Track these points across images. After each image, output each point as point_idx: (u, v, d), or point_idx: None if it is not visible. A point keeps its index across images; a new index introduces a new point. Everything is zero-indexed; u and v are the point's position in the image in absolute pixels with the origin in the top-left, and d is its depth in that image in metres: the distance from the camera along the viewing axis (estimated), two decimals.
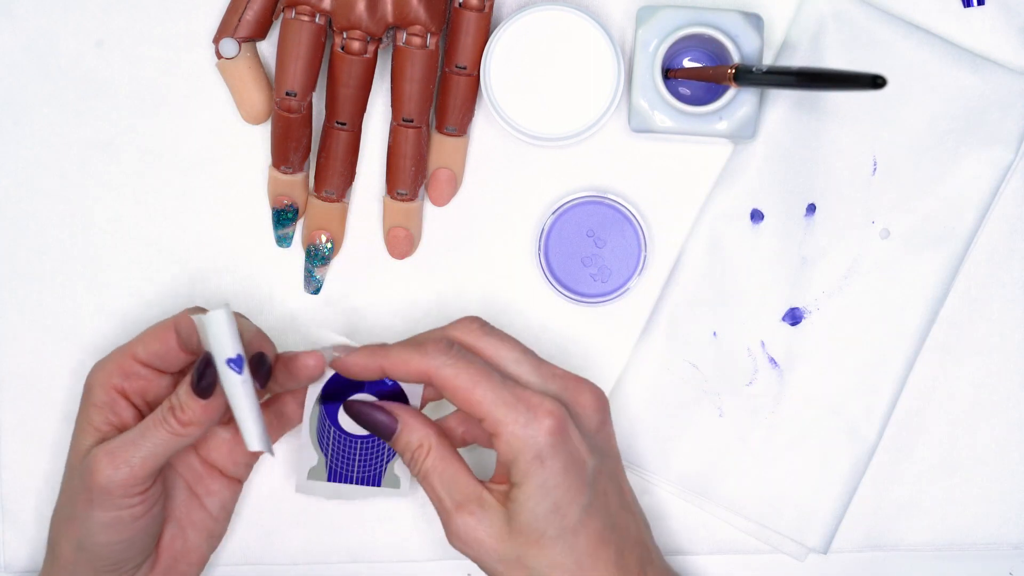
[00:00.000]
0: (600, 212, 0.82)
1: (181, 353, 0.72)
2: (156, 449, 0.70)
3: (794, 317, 0.83)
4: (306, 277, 0.83)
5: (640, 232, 0.82)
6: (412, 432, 0.73)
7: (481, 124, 0.84)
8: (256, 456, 0.77)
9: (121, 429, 0.73)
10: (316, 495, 0.76)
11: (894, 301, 0.82)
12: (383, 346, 0.73)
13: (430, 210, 0.84)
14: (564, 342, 0.83)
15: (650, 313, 0.84)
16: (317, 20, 0.78)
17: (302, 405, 0.76)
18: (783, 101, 0.82)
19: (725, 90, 0.78)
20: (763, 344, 0.83)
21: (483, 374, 0.70)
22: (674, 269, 0.83)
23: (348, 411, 0.74)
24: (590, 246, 0.82)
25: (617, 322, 0.84)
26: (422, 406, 0.76)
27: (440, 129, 0.81)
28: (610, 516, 0.71)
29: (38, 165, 0.83)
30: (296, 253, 0.84)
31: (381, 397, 0.75)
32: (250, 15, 0.80)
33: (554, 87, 0.79)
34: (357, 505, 0.83)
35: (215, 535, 0.77)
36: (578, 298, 0.82)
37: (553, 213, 0.82)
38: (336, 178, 0.81)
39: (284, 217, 0.82)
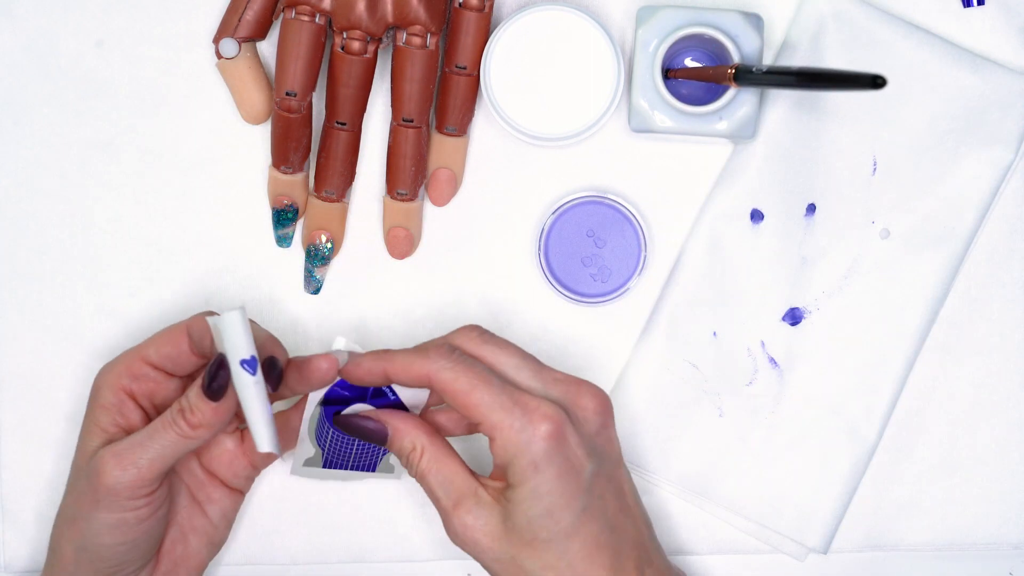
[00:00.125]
0: (600, 212, 0.82)
1: (192, 356, 0.73)
2: (164, 451, 0.70)
3: (794, 317, 0.83)
4: (306, 277, 0.83)
5: (640, 232, 0.82)
6: (404, 436, 0.73)
7: (481, 124, 0.84)
8: (256, 470, 0.77)
9: (128, 431, 0.73)
10: (311, 478, 0.76)
11: (894, 301, 0.82)
12: (387, 352, 0.73)
13: (430, 210, 0.84)
14: (564, 342, 0.83)
15: (650, 313, 0.84)
16: (317, 20, 0.78)
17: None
18: (783, 101, 0.82)
19: (725, 90, 0.78)
20: (763, 344, 0.83)
21: (481, 378, 0.70)
22: (674, 269, 0.83)
23: (340, 425, 0.74)
24: (590, 246, 0.82)
25: (617, 322, 0.84)
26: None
27: (440, 129, 0.81)
28: (607, 520, 0.71)
29: (38, 165, 0.84)
30: (296, 253, 0.84)
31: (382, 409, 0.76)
32: (250, 15, 0.80)
33: (554, 87, 0.79)
34: (357, 505, 0.83)
35: (215, 542, 0.77)
36: (578, 298, 0.82)
37: (553, 213, 0.82)
38: (336, 178, 0.81)
39: (284, 217, 0.82)
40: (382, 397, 0.75)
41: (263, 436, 0.70)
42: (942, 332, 0.83)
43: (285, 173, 0.81)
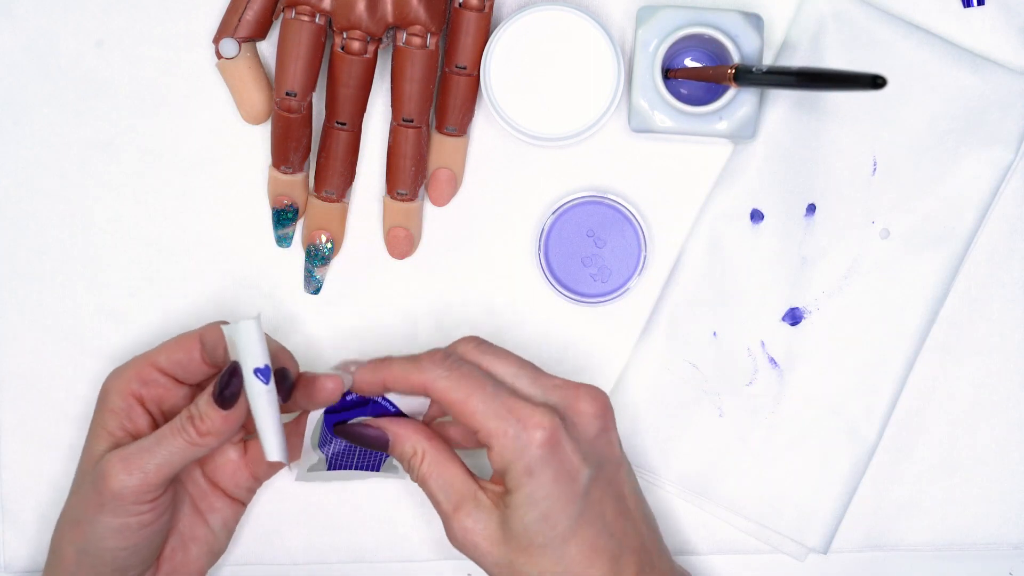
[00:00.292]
0: (600, 212, 0.82)
1: (202, 365, 0.73)
2: (171, 458, 0.70)
3: (794, 317, 0.83)
4: (306, 277, 0.83)
5: (640, 232, 0.82)
6: (404, 442, 0.73)
7: (481, 124, 0.84)
8: (258, 481, 0.77)
9: (135, 436, 0.73)
10: (316, 481, 0.77)
11: (894, 301, 0.82)
12: (386, 360, 0.73)
13: (430, 210, 0.84)
14: (564, 342, 0.83)
15: (650, 313, 0.84)
16: (317, 20, 0.78)
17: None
18: (783, 101, 0.82)
19: (725, 90, 0.78)
20: (763, 344, 0.83)
21: (477, 386, 0.70)
22: (674, 269, 0.83)
23: (341, 434, 0.74)
24: (590, 246, 0.82)
25: (617, 322, 0.84)
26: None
27: (440, 129, 0.81)
28: (605, 524, 0.71)
29: (38, 165, 0.83)
30: (296, 253, 0.84)
31: None
32: (250, 15, 0.80)
33: (554, 87, 0.79)
34: (357, 505, 0.83)
35: (215, 551, 0.77)
36: (578, 298, 0.82)
37: (553, 213, 0.82)
38: (336, 178, 0.81)
39: (284, 217, 0.82)
40: (383, 410, 0.75)
41: (273, 445, 0.70)
42: (942, 332, 0.83)
43: (285, 173, 0.81)
